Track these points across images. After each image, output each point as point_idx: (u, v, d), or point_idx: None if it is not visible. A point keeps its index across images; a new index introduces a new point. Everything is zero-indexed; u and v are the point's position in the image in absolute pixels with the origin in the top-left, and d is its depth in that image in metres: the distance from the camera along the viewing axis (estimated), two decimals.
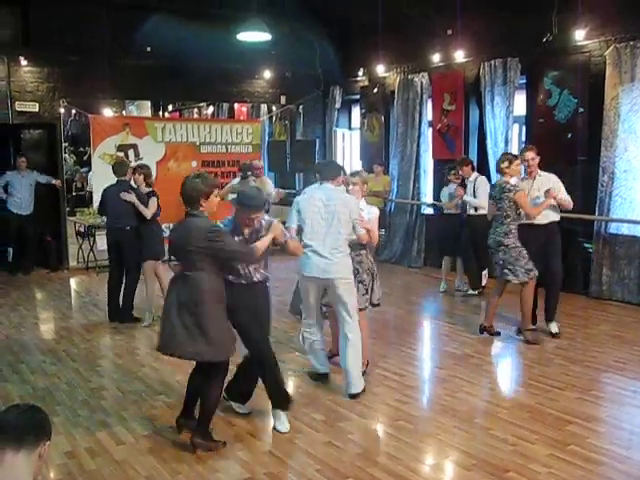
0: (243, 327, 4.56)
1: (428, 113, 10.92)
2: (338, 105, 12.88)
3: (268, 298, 4.79)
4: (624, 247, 8.21)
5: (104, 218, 8.36)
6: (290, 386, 5.50)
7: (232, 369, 4.75)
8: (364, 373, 5.59)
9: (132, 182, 7.65)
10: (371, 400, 5.29)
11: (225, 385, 4.67)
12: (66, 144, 14.70)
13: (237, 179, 9.94)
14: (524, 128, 9.63)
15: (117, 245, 7.72)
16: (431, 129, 10.91)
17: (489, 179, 8.94)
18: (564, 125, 8.67)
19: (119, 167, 7.84)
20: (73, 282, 10.38)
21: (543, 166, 7.00)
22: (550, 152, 7.62)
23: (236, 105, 15.52)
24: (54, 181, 10.80)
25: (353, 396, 5.29)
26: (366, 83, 12.16)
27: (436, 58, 10.39)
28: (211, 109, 17.12)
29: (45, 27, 10.26)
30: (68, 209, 11.61)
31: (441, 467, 4.29)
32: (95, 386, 5.69)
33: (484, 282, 8.85)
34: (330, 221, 5.22)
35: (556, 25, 8.57)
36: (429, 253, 10.94)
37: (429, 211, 11.08)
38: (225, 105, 16.02)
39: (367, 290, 5.77)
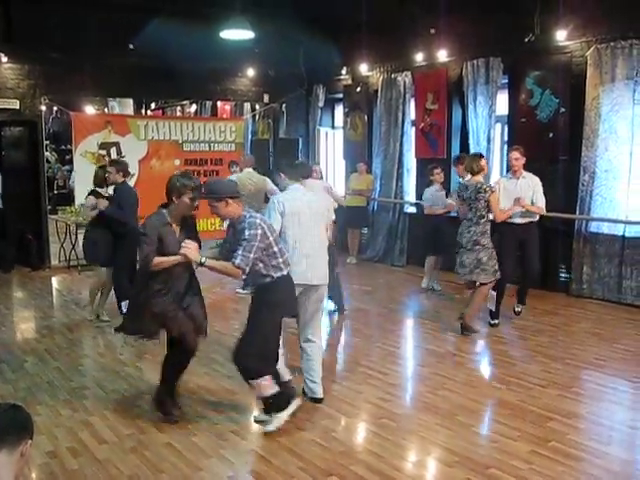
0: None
1: (411, 112, 10.96)
2: (321, 104, 12.91)
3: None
4: (604, 246, 8.30)
5: (84, 217, 8.34)
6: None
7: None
8: None
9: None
10: (354, 398, 5.31)
11: None
12: (47, 142, 14.58)
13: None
14: (506, 127, 9.70)
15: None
16: (414, 128, 10.95)
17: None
18: (546, 125, 8.74)
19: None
20: (55, 281, 10.30)
21: (525, 165, 7.09)
22: (532, 151, 7.68)
23: (219, 103, 15.51)
24: None
25: (319, 400, 5.17)
26: (349, 82, 12.19)
27: (419, 57, 10.44)
28: (194, 107, 17.08)
29: (27, 24, 10.16)
30: (49, 207, 11.52)
31: (423, 464, 4.32)
32: (77, 385, 5.66)
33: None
34: (315, 223, 5.11)
35: (538, 26, 8.65)
36: (412, 252, 10.98)
37: (412, 210, 11.12)
38: (208, 103, 16.01)
39: None
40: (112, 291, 7.60)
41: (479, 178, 6.77)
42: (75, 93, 11.64)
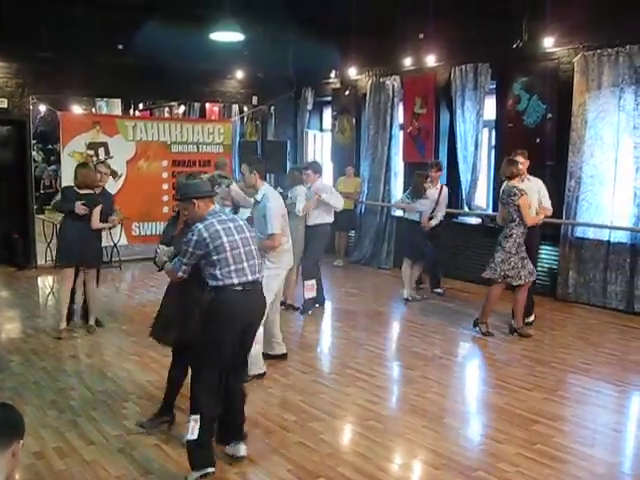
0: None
1: (399, 116, 11.00)
2: (310, 107, 12.94)
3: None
4: (590, 251, 8.37)
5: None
6: (263, 387, 5.52)
7: None
8: None
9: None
10: (342, 400, 5.33)
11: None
12: (34, 141, 14.48)
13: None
14: (494, 132, 9.76)
15: None
16: (402, 132, 11.00)
17: (459, 182, 9.03)
18: (533, 130, 8.81)
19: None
20: (41, 281, 10.25)
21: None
22: None
23: (208, 105, 15.47)
24: None
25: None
26: (338, 85, 12.22)
27: (408, 62, 10.49)
28: (182, 108, 17.03)
29: (16, 22, 10.09)
30: (36, 207, 11.45)
31: (410, 466, 4.34)
32: (64, 386, 5.63)
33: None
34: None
35: (526, 32, 8.71)
36: (399, 254, 10.98)
37: (399, 213, 11.12)
38: (197, 104, 15.97)
39: None
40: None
41: (515, 182, 6.91)
42: (64, 92, 11.58)
